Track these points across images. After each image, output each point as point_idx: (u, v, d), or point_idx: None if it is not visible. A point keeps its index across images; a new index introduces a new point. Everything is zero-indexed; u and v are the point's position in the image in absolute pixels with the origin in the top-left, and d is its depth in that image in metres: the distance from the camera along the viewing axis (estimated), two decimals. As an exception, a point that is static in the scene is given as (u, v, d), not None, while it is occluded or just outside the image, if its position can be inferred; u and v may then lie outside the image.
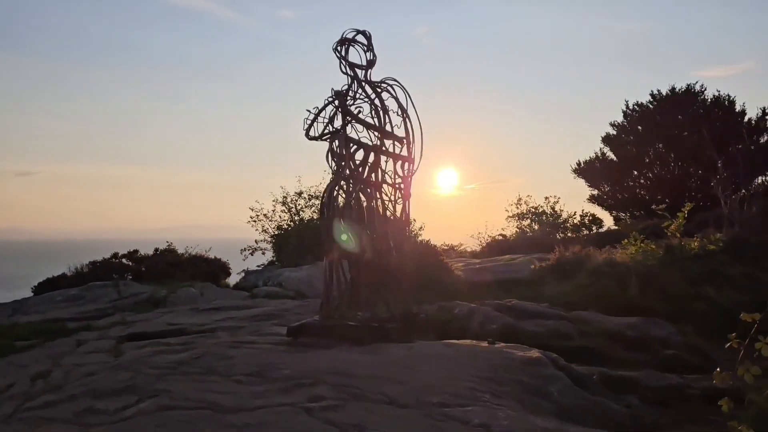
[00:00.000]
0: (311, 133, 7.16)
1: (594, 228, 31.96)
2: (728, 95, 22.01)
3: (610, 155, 24.54)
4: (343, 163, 6.70)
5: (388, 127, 6.83)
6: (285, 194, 16.09)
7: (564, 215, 34.14)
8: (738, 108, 21.85)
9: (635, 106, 23.73)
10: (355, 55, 6.82)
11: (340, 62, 6.92)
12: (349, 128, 6.81)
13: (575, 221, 33.93)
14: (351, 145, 6.66)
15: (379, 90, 6.87)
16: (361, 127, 6.82)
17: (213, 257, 14.68)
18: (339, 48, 6.84)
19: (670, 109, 22.42)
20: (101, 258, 14.27)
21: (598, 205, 25.05)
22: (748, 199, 12.57)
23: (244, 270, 17.11)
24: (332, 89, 6.98)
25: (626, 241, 10.57)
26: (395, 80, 6.87)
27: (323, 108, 7.09)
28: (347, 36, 6.84)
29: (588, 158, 24.81)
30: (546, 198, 34.57)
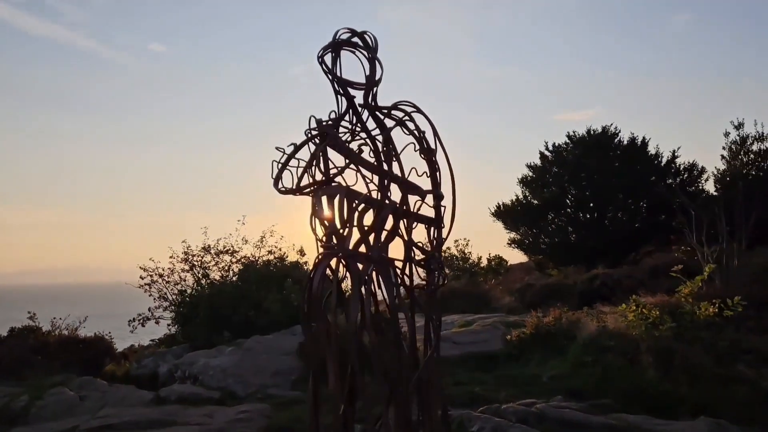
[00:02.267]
0: (280, 186, 4.62)
1: (502, 272, 31.27)
2: (644, 137, 22.03)
3: (530, 197, 23.75)
4: (342, 231, 4.27)
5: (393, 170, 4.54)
6: (186, 249, 13.07)
7: (473, 259, 33.25)
8: (652, 150, 21.88)
9: (553, 148, 23.19)
10: (350, 70, 4.51)
11: (329, 78, 4.54)
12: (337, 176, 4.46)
13: (482, 265, 33.14)
14: (354, 201, 4.27)
15: (391, 119, 4.58)
16: (354, 174, 4.47)
17: (93, 335, 11.32)
18: (326, 56, 4.50)
19: (588, 152, 22.05)
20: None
21: (519, 249, 24.08)
22: (733, 248, 11.55)
23: (132, 345, 13.75)
24: (312, 117, 4.56)
25: (624, 306, 8.93)
26: (413, 105, 4.60)
27: (301, 146, 4.60)
28: (341, 37, 4.51)
29: (510, 201, 23.85)
30: (455, 241, 33.57)
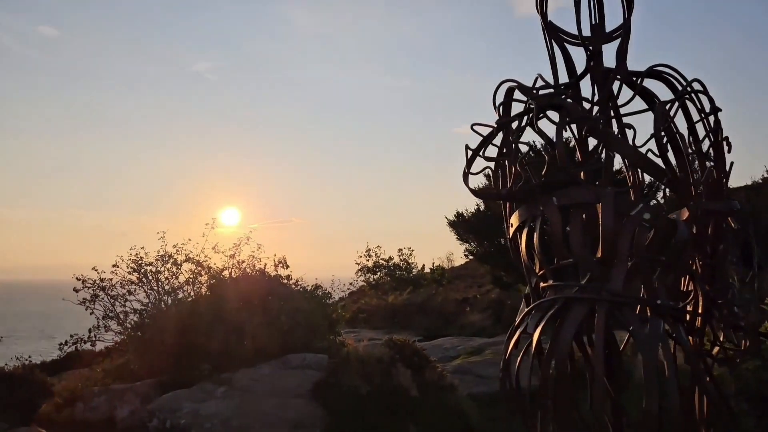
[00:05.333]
0: (470, 184, 3.08)
1: (444, 282, 30.36)
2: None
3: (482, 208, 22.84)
4: (604, 261, 2.73)
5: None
6: (137, 256, 10.75)
7: (417, 269, 32.13)
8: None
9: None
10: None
11: (545, 33, 2.98)
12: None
13: (426, 274, 32.08)
14: (629, 213, 2.73)
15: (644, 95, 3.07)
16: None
17: (16, 366, 8.87)
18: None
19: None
20: None
21: (478, 260, 23.13)
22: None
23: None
24: (539, 77, 2.99)
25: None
26: (674, 70, 3.07)
27: (506, 125, 3.03)
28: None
29: (465, 210, 22.87)
30: (399, 250, 32.27)
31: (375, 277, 30.83)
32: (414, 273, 30.19)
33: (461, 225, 22.91)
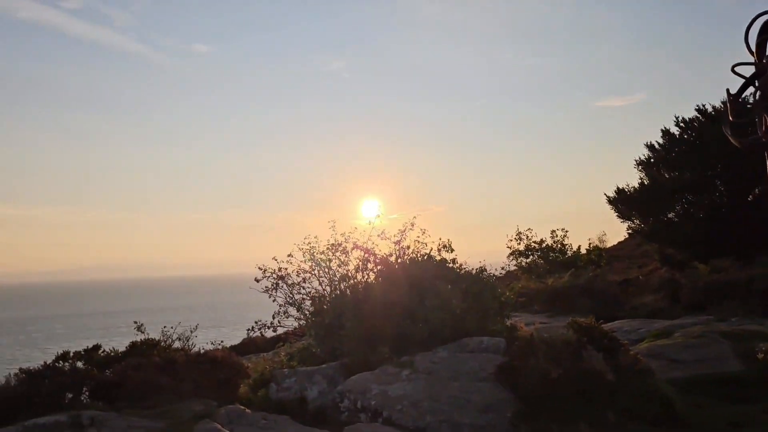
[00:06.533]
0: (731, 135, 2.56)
1: (602, 263, 28.66)
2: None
3: (647, 181, 21.11)
4: None
5: None
6: (309, 244, 11.24)
7: (572, 250, 30.69)
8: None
9: (681, 123, 20.47)
10: None
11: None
12: None
13: (582, 256, 30.48)
14: None
15: None
16: None
17: (220, 350, 9.66)
18: None
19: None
20: (42, 362, 8.95)
21: (645, 239, 21.52)
22: None
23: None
24: None
25: None
26: None
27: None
28: None
29: (625, 186, 21.33)
30: (552, 232, 31.02)
31: (527, 260, 29.92)
32: (568, 254, 28.88)
33: (624, 201, 21.42)
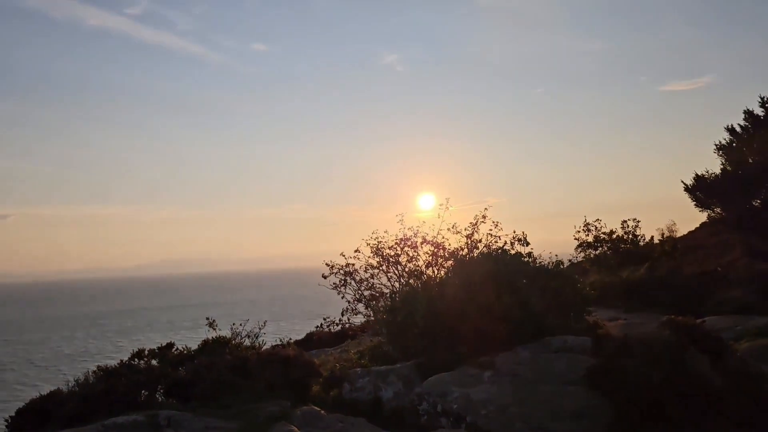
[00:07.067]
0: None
1: (676, 255, 27.17)
2: None
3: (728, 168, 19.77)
4: None
5: None
6: (377, 239, 10.93)
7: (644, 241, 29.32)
8: None
9: (767, 104, 19.03)
10: None
11: None
12: None
13: (657, 249, 29.03)
14: None
15: None
16: None
17: (291, 348, 9.49)
18: None
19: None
20: (118, 360, 9.02)
21: (728, 228, 20.19)
22: None
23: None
24: None
25: None
26: None
27: None
28: None
29: (705, 172, 20.06)
30: (623, 222, 29.72)
31: (596, 252, 28.74)
32: (640, 246, 27.54)
33: (703, 189, 20.17)
